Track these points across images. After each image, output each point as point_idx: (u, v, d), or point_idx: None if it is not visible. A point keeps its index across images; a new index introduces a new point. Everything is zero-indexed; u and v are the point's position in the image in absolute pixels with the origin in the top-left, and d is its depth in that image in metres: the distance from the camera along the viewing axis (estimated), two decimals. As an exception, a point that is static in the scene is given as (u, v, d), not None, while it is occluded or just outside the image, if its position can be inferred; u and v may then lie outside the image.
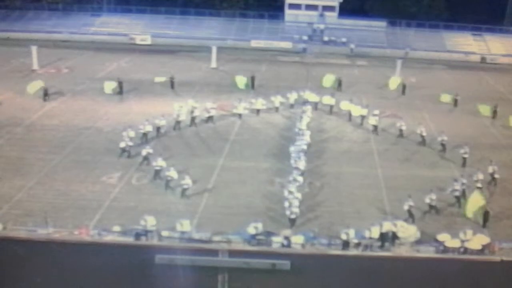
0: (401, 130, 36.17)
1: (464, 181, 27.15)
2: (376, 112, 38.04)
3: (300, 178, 27.18)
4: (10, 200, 25.76)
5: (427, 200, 25.76)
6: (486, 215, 24.77)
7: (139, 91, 44.46)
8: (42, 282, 18.17)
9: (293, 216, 24.41)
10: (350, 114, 39.27)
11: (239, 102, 39.32)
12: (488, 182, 28.75)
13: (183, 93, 44.41)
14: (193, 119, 36.97)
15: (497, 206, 26.63)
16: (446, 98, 43.63)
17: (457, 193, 26.76)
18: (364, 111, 38.89)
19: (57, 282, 18.21)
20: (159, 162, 28.59)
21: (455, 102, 43.93)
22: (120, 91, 43.56)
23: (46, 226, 22.13)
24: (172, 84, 45.69)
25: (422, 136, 35.05)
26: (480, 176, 27.97)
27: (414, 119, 40.30)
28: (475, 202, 24.77)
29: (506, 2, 74.07)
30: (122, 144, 31.25)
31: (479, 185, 27.50)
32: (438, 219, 25.41)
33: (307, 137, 32.88)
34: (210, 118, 37.64)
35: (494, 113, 40.78)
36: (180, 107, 37.12)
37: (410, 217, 24.86)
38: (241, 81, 44.66)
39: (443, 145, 33.83)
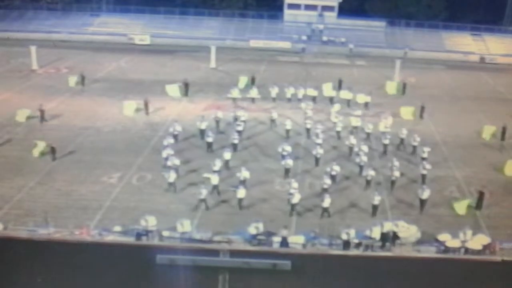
0: (402, 139, 34.01)
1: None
2: (358, 113, 38.22)
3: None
4: (11, 200, 25.74)
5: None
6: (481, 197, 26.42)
7: (138, 91, 44.37)
8: (42, 283, 18.12)
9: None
10: (349, 103, 41.48)
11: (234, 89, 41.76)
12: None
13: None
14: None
15: (500, 207, 26.92)
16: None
17: (369, 177, 28.40)
18: (368, 98, 41.24)
19: (57, 282, 18.11)
20: (244, 173, 27.36)
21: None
22: (185, 92, 43.76)
23: (46, 226, 22.16)
24: (82, 80, 45.27)
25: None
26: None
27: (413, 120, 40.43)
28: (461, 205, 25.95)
29: (505, 2, 74.12)
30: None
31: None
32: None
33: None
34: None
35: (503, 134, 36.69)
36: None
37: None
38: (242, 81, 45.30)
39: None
